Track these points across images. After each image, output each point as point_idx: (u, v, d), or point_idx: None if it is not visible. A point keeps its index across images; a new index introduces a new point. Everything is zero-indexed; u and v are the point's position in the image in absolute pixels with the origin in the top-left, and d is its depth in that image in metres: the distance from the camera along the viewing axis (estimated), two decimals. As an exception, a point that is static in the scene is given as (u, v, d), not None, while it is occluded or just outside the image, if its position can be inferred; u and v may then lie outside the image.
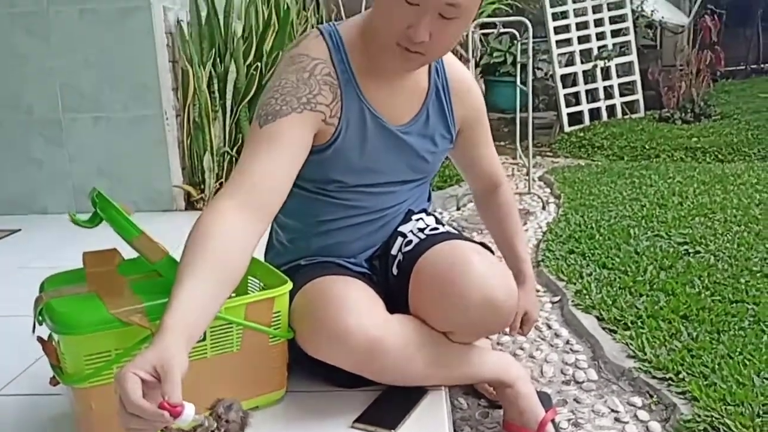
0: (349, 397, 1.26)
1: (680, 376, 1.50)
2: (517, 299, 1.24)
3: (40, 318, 1.10)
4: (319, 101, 1.22)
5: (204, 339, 1.14)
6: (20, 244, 2.57)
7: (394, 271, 1.34)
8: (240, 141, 3.15)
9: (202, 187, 3.02)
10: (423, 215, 1.42)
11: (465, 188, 3.76)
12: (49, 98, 2.93)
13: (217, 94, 3.02)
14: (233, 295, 1.31)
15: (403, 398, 1.24)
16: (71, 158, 2.98)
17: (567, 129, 5.43)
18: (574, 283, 2.15)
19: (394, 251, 1.36)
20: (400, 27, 1.13)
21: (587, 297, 2.01)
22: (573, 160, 4.82)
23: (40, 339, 1.13)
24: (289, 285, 1.22)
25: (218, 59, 3.08)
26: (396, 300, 1.27)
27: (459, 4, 1.11)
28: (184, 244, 1.04)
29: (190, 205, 3.04)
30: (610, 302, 1.95)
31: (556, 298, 2.12)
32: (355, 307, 1.17)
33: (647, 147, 4.83)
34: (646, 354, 1.62)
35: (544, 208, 3.37)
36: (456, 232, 1.39)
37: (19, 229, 2.74)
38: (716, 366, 1.53)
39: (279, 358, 1.24)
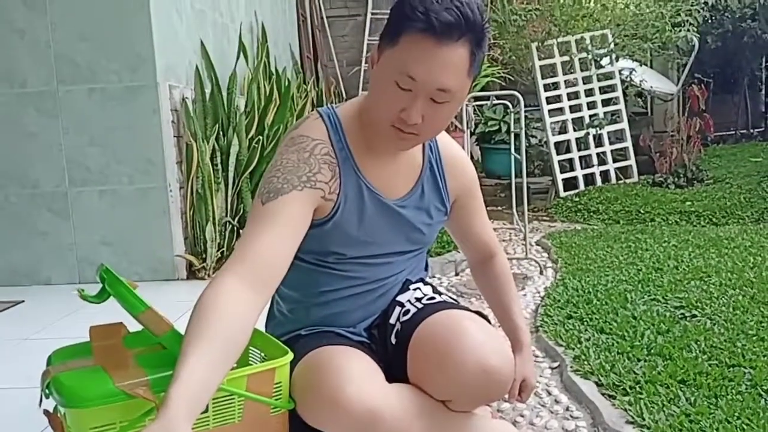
0: (350, 467, 1.27)
1: (679, 441, 1.51)
2: (514, 366, 1.27)
3: (47, 391, 1.12)
4: (319, 179, 1.28)
5: (206, 410, 1.16)
6: (24, 315, 2.60)
7: (393, 340, 1.37)
8: (242, 211, 3.23)
9: (204, 256, 3.07)
10: (420, 284, 1.46)
11: (463, 254, 3.81)
12: (56, 173, 3.02)
13: (219, 167, 3.12)
14: (235, 366, 1.35)
15: (402, 468, 1.25)
16: (76, 229, 3.04)
17: (562, 194, 5.52)
18: (573, 349, 2.16)
19: (392, 320, 1.39)
20: (394, 110, 1.21)
21: (586, 362, 2.03)
22: (569, 224, 4.89)
23: (46, 412, 1.15)
24: (290, 356, 1.25)
25: (221, 133, 3.19)
26: (395, 369, 1.30)
27: (449, 90, 1.19)
28: (189, 318, 1.08)
29: (192, 274, 3.08)
30: (609, 367, 1.97)
31: (555, 364, 2.13)
32: (354, 377, 1.20)
33: (642, 211, 4.91)
34: (644, 420, 1.63)
35: (541, 272, 3.41)
36: (453, 301, 1.43)
37: (23, 301, 2.78)
38: (715, 431, 1.54)
39: (280, 428, 1.25)
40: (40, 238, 3.06)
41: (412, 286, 1.45)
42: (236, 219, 3.19)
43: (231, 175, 3.16)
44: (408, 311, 1.37)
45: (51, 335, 1.26)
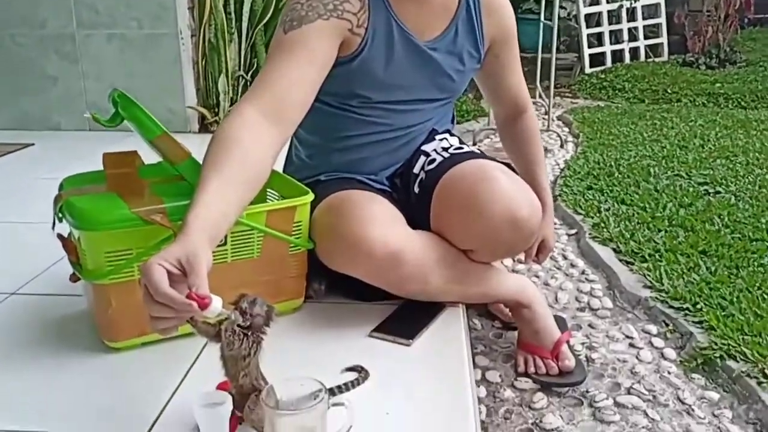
0: (367, 309, 1.27)
1: (697, 306, 1.50)
2: (541, 218, 1.22)
3: (60, 215, 1.09)
4: (347, 9, 1.18)
5: (225, 243, 1.13)
6: (35, 157, 2.56)
7: (416, 189, 1.32)
8: (255, 65, 3.10)
9: (216, 110, 2.98)
10: (447, 135, 1.39)
11: (482, 124, 3.70)
12: (64, 13, 2.87)
13: (233, 16, 2.95)
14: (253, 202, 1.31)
15: (421, 312, 1.24)
16: (85, 75, 2.94)
17: (588, 70, 5.30)
18: (592, 217, 2.13)
19: (416, 170, 1.34)
20: None
21: (605, 230, 1.99)
22: (593, 101, 4.73)
23: (60, 236, 1.13)
24: (311, 196, 1.20)
25: (235, -22, 2.99)
26: (417, 219, 1.26)
27: None
28: (207, 148, 1.02)
29: (204, 127, 3.01)
30: (628, 236, 1.94)
31: (573, 231, 2.10)
32: (376, 219, 1.16)
33: (669, 91, 4.72)
34: (663, 285, 1.61)
35: (562, 146, 3.32)
36: (480, 152, 1.36)
37: (33, 144, 2.73)
38: (734, 299, 1.52)
39: (298, 267, 1.23)
40: (50, 82, 2.96)
41: (438, 137, 1.38)
42: (249, 73, 3.07)
43: (245, 25, 3.00)
44: (434, 160, 1.31)
45: (64, 175, 1.21)
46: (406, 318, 1.23)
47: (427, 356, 1.12)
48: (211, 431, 0.78)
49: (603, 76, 5.16)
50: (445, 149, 1.33)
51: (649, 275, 1.68)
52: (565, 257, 1.92)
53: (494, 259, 1.30)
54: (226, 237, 1.12)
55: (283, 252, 1.20)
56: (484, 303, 1.47)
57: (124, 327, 1.09)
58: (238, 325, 0.85)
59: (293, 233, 1.19)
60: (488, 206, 1.15)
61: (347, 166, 1.36)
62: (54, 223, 1.11)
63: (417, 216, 1.27)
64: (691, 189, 2.40)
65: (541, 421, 1.18)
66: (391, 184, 1.38)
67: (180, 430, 0.90)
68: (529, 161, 1.54)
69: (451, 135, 1.41)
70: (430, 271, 1.19)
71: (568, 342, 1.32)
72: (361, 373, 1.05)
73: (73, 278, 1.11)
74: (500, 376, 1.31)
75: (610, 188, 2.44)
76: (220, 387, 0.92)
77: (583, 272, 1.82)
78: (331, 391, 0.98)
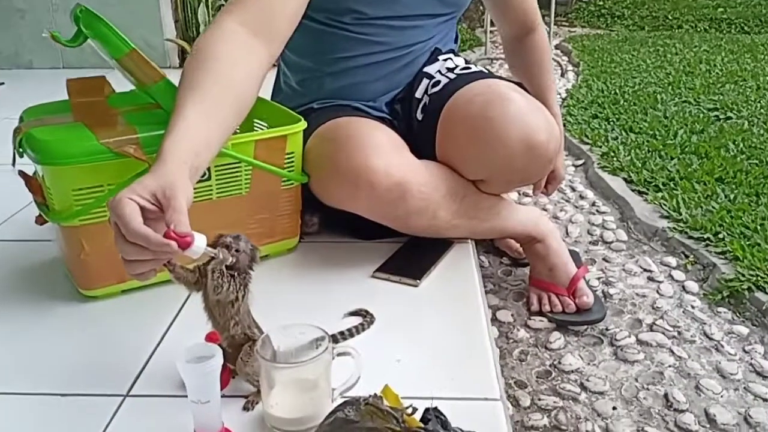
0: (369, 248, 1.16)
1: (719, 236, 1.40)
2: (559, 143, 1.11)
3: (20, 150, 0.96)
4: None
5: (209, 178, 1.01)
6: (3, 97, 2.40)
7: (419, 115, 1.19)
8: (237, -7, 2.90)
9: (198, 43, 2.81)
10: (451, 55, 1.25)
11: (478, 54, 3.53)
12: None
13: (211, -61, 2.75)
14: (238, 131, 1.19)
15: (427, 250, 1.13)
16: (54, 8, 2.74)
17: (585, -3, 5.10)
18: (600, 147, 2.01)
19: (418, 94, 1.21)
20: None
21: (614, 159, 1.88)
22: (591, 30, 4.55)
23: (22, 174, 1.00)
24: (304, 124, 1.08)
25: None
26: (420, 149, 1.13)
27: None
28: (184, 67, 0.89)
29: (184, 60, 2.83)
30: (640, 164, 1.83)
31: (580, 162, 1.99)
32: (378, 147, 1.04)
33: (670, 17, 4.55)
34: (681, 214, 1.51)
35: (562, 75, 3.17)
36: (489, 72, 1.23)
37: (2, 83, 2.56)
38: (758, 227, 1.43)
39: (291, 203, 1.12)
40: (18, 16, 2.76)
41: (441, 57, 1.24)
42: (232, 3, 2.88)
43: (224, -50, 2.80)
44: (438, 82, 1.18)
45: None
46: (412, 256, 1.12)
47: (437, 297, 1.02)
48: (199, 389, 0.68)
49: (601, 3, 4.97)
50: (450, 70, 1.20)
51: (665, 205, 1.58)
52: (573, 189, 1.82)
53: (507, 189, 1.19)
54: (209, 171, 1.00)
55: (274, 187, 1.08)
56: (491, 238, 1.37)
57: (99, 273, 0.98)
58: (225, 266, 0.74)
59: (285, 165, 1.07)
60: (502, 130, 1.03)
61: (342, 92, 1.23)
62: (14, 159, 0.98)
63: (421, 145, 1.14)
64: (701, 115, 2.29)
65: (559, 363, 1.09)
66: (391, 111, 1.25)
67: (165, 385, 0.81)
68: (538, 83, 1.40)
69: (456, 55, 1.27)
70: (437, 205, 1.08)
71: (584, 277, 1.22)
72: (365, 317, 0.95)
73: (39, 220, 0.99)
74: (512, 315, 1.22)
75: (617, 116, 2.32)
76: (209, 338, 0.82)
77: (593, 204, 1.71)
78: (334, 339, 0.88)
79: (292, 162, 1.08)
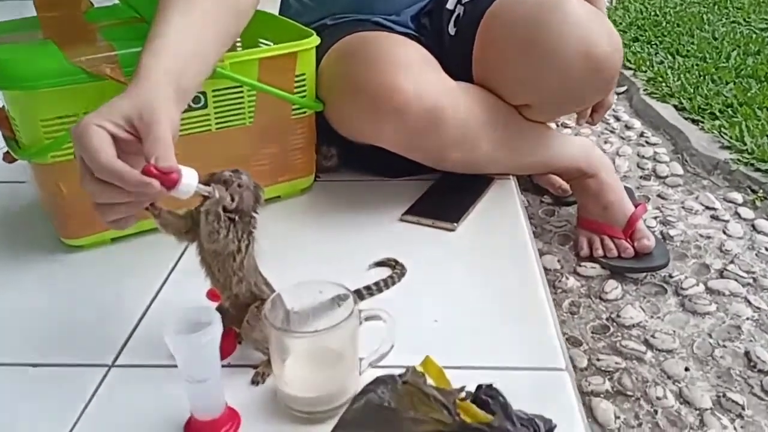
0: (394, 187, 1.00)
1: (793, 168, 1.23)
2: (622, 58, 0.93)
3: (-20, 74, 0.80)
4: None
5: (205, 106, 0.85)
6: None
7: (451, 30, 1.01)
8: None
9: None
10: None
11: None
12: None
13: None
14: (239, 46, 1.02)
15: (463, 188, 0.97)
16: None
17: None
18: (645, 72, 1.82)
19: (450, 5, 1.03)
20: None
21: (663, 85, 1.69)
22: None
23: (-14, 104, 0.85)
24: (316, 39, 0.90)
25: None
26: (452, 69, 0.96)
27: None
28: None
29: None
30: (692, 90, 1.64)
31: (623, 89, 1.80)
32: (407, 65, 0.87)
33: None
34: (745, 144, 1.34)
35: (594, -4, 2.92)
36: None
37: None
38: (836, 157, 1.26)
39: (304, 136, 0.96)
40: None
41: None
42: None
43: None
44: (472, -10, 0.99)
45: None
46: (446, 196, 0.96)
47: (478, 243, 0.87)
48: (194, 365, 0.54)
49: None
50: (487, -25, 1.01)
51: (725, 133, 1.40)
52: (617, 118, 1.64)
53: (557, 116, 1.04)
54: (205, 97, 0.84)
55: (283, 116, 0.92)
56: (535, 174, 1.21)
57: (82, 220, 0.83)
58: (223, 208, 0.59)
59: (295, 90, 0.90)
60: (556, 42, 0.85)
61: (361, 4, 1.05)
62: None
63: (453, 66, 0.96)
64: (753, 35, 2.07)
65: (618, 316, 0.94)
66: (418, 26, 1.07)
67: (159, 352, 0.67)
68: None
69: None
70: (476, 135, 0.92)
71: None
72: (394, 268, 0.80)
73: (8, 158, 0.84)
74: (559, 261, 1.07)
75: (660, 39, 2.10)
76: (211, 296, 0.67)
77: (641, 134, 1.53)
78: (358, 295, 0.74)
79: (304, 86, 0.91)
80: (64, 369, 0.67)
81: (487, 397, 0.54)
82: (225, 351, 0.65)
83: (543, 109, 0.96)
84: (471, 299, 0.75)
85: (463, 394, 0.51)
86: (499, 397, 0.54)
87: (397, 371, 0.54)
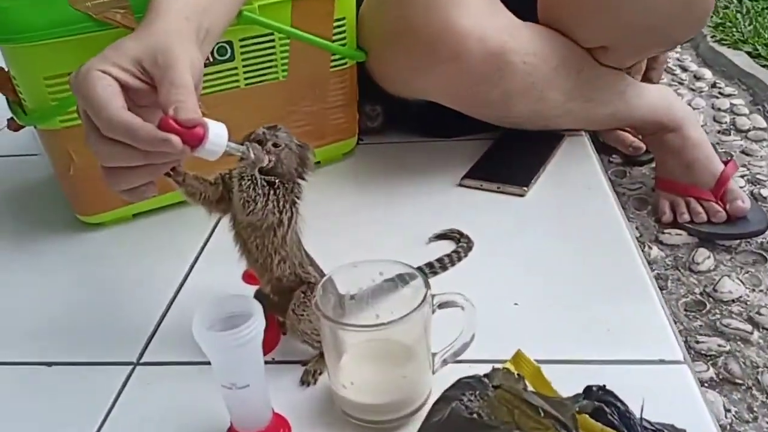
0: (449, 148, 0.88)
1: None
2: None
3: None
4: None
5: (232, 58, 0.73)
6: None
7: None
8: None
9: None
10: None
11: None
12: None
13: None
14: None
15: (531, 146, 0.85)
16: None
17: None
18: (711, 17, 1.64)
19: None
20: None
21: (733, 30, 1.53)
22: None
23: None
24: (356, -21, 0.78)
25: None
26: (515, 7, 0.82)
27: None
28: None
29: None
30: (767, 35, 1.47)
31: (686, 37, 1.63)
32: (465, 2, 0.73)
33: None
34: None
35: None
36: None
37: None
38: None
39: (345, 91, 0.83)
40: None
41: None
42: None
43: None
44: None
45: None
46: (512, 156, 0.84)
47: (554, 210, 0.74)
48: (232, 368, 0.43)
49: None
50: None
51: (818, 81, 1.24)
52: (684, 69, 1.48)
53: (637, 58, 0.89)
54: (232, 47, 0.72)
55: (321, 68, 0.80)
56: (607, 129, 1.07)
57: (98, 194, 0.73)
58: (260, 171, 0.48)
59: (334, 38, 0.78)
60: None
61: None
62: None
63: (516, 3, 0.83)
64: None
65: (714, 290, 0.81)
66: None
67: (189, 346, 0.56)
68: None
69: None
70: (547, 82, 0.79)
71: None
72: (459, 241, 0.68)
73: (13, 125, 0.73)
74: (637, 228, 0.94)
75: (721, -18, 1.92)
76: (247, 279, 0.56)
77: (713, 85, 1.38)
78: (421, 272, 0.62)
79: (344, 33, 0.79)
80: (83, 368, 0.58)
81: (601, 402, 0.43)
82: (267, 344, 0.54)
83: (621, 52, 0.82)
84: (555, 277, 0.63)
85: (578, 406, 0.40)
86: (617, 403, 0.43)
87: (478, 369, 0.43)
